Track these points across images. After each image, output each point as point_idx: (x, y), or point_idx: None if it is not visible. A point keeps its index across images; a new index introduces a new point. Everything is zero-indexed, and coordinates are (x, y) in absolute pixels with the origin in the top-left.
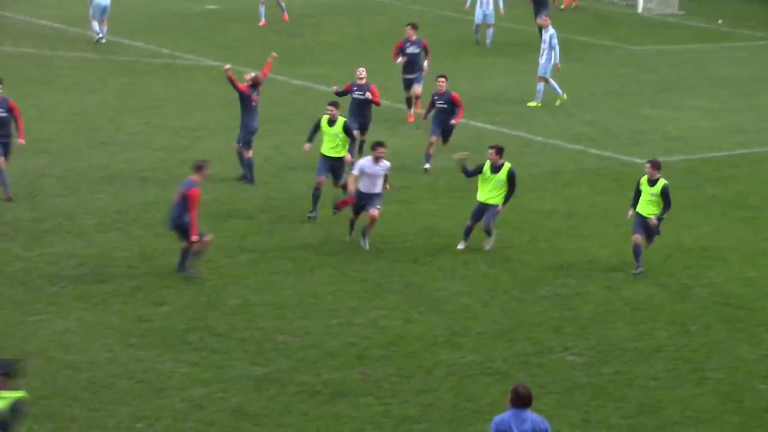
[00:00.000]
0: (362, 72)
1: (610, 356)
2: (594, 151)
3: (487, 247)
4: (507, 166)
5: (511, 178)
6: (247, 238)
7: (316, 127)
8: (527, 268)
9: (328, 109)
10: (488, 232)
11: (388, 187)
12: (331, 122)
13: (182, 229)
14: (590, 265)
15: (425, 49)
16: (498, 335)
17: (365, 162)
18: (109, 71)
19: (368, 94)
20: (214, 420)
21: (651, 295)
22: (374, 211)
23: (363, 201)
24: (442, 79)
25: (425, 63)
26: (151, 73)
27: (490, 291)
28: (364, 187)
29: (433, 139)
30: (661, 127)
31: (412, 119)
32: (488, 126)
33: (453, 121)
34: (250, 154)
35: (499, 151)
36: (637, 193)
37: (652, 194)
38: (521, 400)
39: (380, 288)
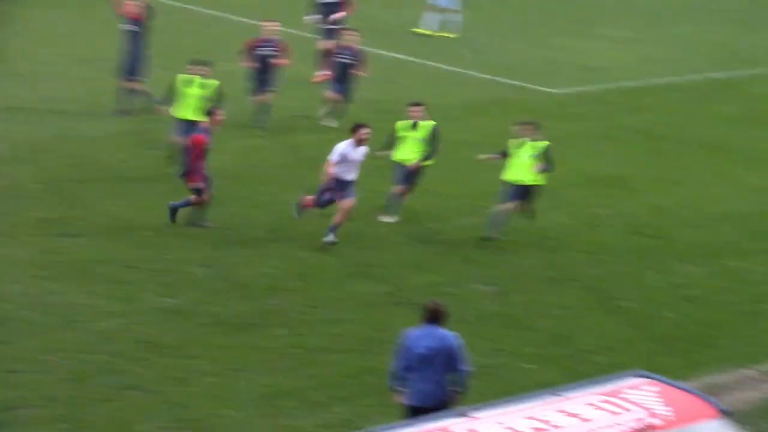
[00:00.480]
0: (271, 25)
1: (521, 285)
2: (506, 80)
3: (386, 219)
4: (430, 123)
5: (434, 136)
6: (159, 168)
7: (174, 89)
8: (439, 199)
9: (189, 69)
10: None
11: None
12: (191, 82)
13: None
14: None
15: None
16: (409, 265)
17: (346, 147)
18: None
19: (277, 60)
20: (124, 351)
21: (562, 225)
22: (349, 202)
23: (337, 188)
24: (353, 33)
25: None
26: (61, 2)
27: (402, 222)
28: (339, 172)
29: (333, 95)
30: (573, 56)
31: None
32: (402, 56)
33: (360, 73)
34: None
35: (418, 105)
36: (504, 155)
37: (531, 156)
38: (430, 315)
39: (292, 218)
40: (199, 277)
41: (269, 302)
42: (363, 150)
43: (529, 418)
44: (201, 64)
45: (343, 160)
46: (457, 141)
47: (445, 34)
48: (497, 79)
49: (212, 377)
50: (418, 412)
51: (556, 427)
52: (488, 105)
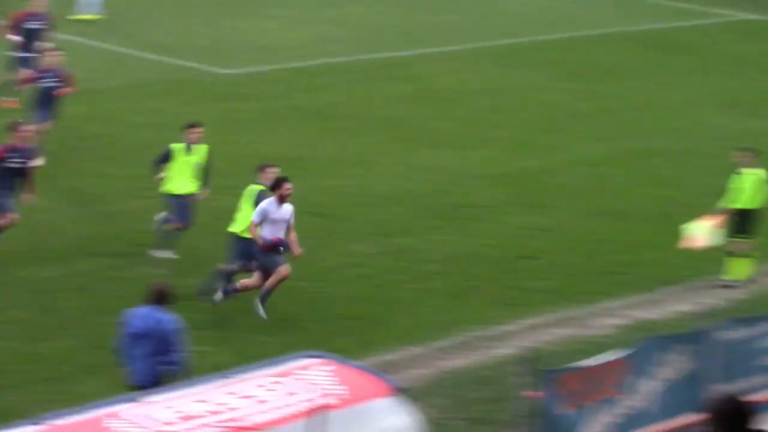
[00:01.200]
0: (53, 54)
1: (196, 267)
2: (176, 61)
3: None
4: (205, 147)
5: (209, 161)
6: None
7: None
8: (110, 180)
9: None
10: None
11: (299, 250)
12: None
13: None
14: None
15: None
16: (77, 248)
17: (268, 205)
18: None
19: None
20: None
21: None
22: (284, 269)
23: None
24: (56, 53)
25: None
26: None
27: (77, 205)
28: (268, 235)
29: (46, 125)
30: (244, 36)
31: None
32: (74, 38)
33: (64, 92)
34: None
35: (196, 126)
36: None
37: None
38: (153, 297)
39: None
40: None
41: None
42: (289, 208)
43: (202, 401)
44: None
45: (267, 220)
46: (134, 123)
47: (88, 17)
48: (166, 59)
49: None
50: (137, 390)
51: (229, 409)
52: (159, 86)
